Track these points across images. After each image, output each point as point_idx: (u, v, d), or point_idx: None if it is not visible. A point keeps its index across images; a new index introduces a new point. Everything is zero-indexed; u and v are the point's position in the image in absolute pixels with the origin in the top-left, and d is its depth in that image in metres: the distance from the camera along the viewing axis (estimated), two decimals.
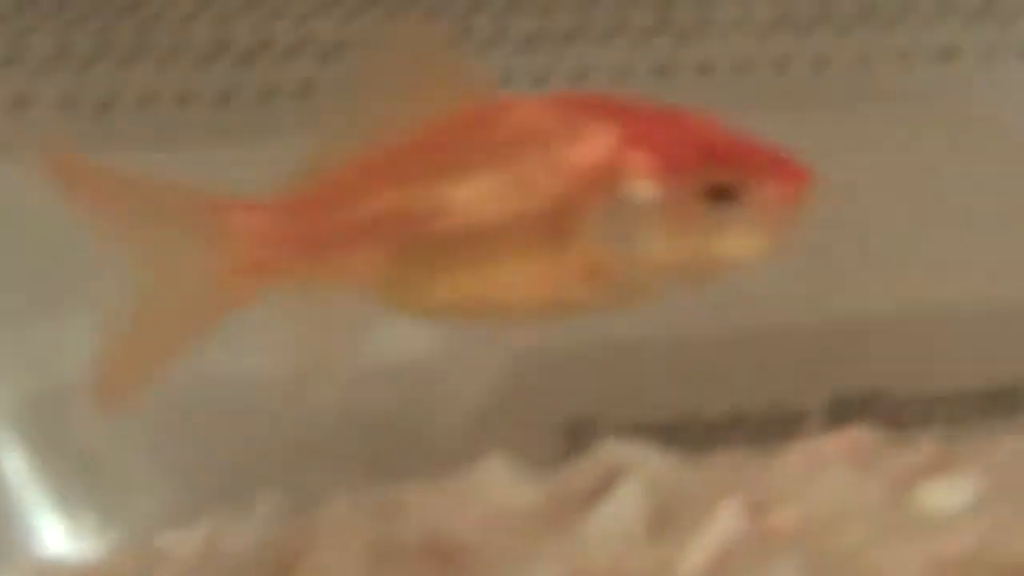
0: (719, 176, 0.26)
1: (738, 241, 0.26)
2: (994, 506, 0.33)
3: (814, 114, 0.48)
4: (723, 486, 0.34)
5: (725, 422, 0.44)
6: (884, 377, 0.45)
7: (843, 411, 0.44)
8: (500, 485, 0.37)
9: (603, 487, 0.35)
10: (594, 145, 0.27)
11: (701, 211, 0.26)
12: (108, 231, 0.28)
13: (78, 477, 0.42)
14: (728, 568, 0.31)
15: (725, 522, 0.32)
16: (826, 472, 0.35)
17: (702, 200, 0.26)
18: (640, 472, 0.36)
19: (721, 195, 0.26)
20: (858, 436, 0.37)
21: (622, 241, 0.27)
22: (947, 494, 0.34)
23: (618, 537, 0.34)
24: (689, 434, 0.43)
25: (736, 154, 0.26)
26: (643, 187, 0.26)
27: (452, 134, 0.27)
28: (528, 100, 0.28)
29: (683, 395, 0.43)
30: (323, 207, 0.28)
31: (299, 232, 0.28)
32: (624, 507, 0.34)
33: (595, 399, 0.43)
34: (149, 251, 0.28)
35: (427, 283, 0.28)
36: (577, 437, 0.42)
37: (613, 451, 0.38)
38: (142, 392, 0.28)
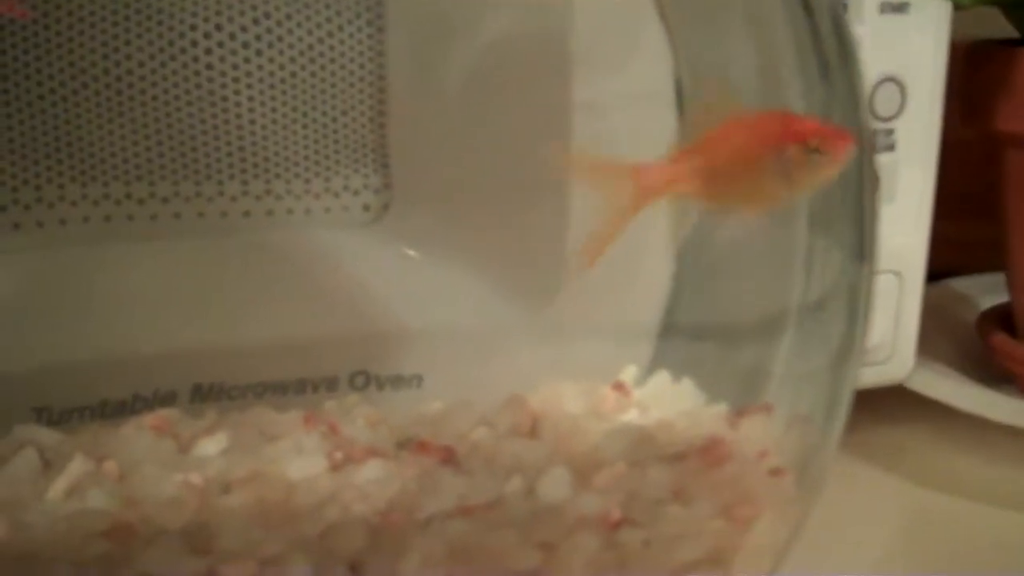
0: (818, 144, 0.52)
1: (821, 173, 0.52)
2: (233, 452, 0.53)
3: None
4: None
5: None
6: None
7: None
8: None
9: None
10: (778, 129, 0.53)
11: (807, 158, 0.53)
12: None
13: None
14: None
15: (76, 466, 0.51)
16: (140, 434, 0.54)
17: (809, 153, 0.53)
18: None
19: (815, 150, 0.52)
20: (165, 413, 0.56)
21: (781, 172, 0.53)
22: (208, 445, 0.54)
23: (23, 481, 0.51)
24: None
25: (825, 134, 0.52)
26: (792, 149, 0.53)
27: (739, 124, 0.54)
28: (763, 112, 0.55)
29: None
30: (683, 161, 0.54)
31: (670, 174, 0.54)
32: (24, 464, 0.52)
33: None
34: (607, 187, 0.54)
35: (716, 191, 0.54)
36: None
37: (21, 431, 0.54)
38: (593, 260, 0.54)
